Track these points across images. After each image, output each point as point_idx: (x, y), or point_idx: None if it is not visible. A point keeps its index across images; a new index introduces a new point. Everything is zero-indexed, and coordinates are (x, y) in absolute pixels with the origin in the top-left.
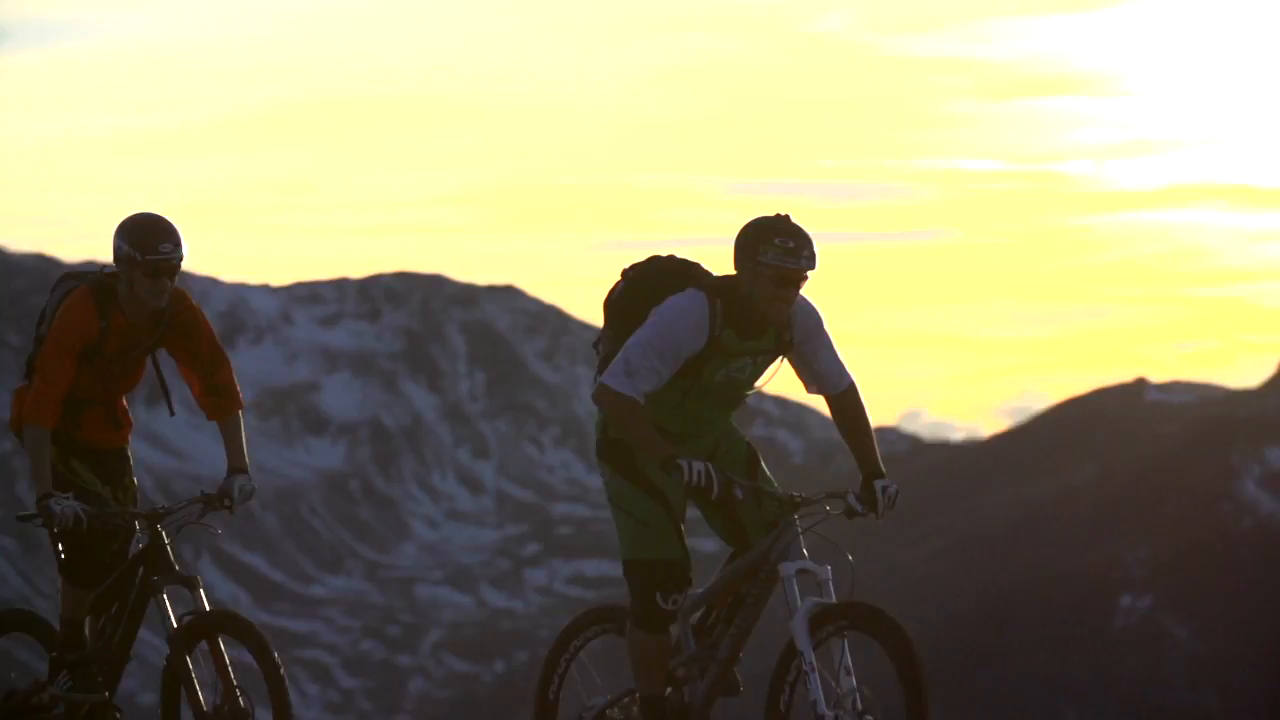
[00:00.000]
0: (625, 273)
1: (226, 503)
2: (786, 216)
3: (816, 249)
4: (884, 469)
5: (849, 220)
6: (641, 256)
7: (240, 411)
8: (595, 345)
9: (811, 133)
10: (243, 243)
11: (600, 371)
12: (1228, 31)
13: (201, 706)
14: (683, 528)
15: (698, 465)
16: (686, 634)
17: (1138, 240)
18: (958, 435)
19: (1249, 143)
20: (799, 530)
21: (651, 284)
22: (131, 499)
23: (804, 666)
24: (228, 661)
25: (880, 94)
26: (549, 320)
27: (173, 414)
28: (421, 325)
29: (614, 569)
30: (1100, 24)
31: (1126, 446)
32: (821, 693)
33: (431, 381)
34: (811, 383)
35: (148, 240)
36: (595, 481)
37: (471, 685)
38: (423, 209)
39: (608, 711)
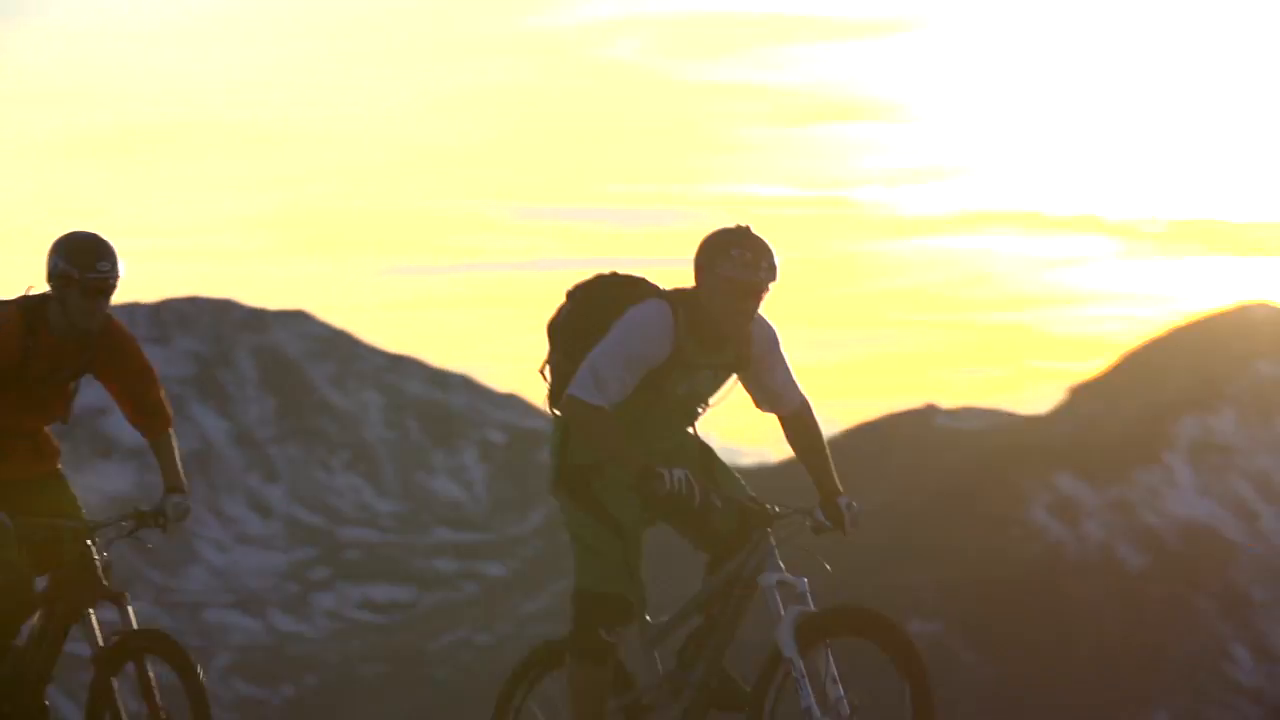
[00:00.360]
0: (571, 293)
1: (161, 520)
2: (747, 228)
3: (777, 260)
4: (840, 486)
5: (639, 246)
6: (432, 282)
7: (171, 429)
8: (541, 371)
9: (602, 158)
10: (33, 267)
11: (552, 398)
12: (1017, 59)
13: None
14: (640, 561)
15: (678, 473)
16: (652, 659)
17: (927, 266)
18: (748, 459)
19: (1038, 170)
20: (773, 543)
21: (601, 302)
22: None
23: (793, 674)
24: (153, 684)
25: (671, 120)
26: (339, 345)
27: (65, 422)
28: (211, 350)
29: (403, 593)
30: (890, 51)
31: (916, 472)
32: (814, 700)
33: (221, 406)
34: (764, 401)
35: (87, 258)
36: (385, 506)
37: (260, 709)
38: (213, 233)
39: None
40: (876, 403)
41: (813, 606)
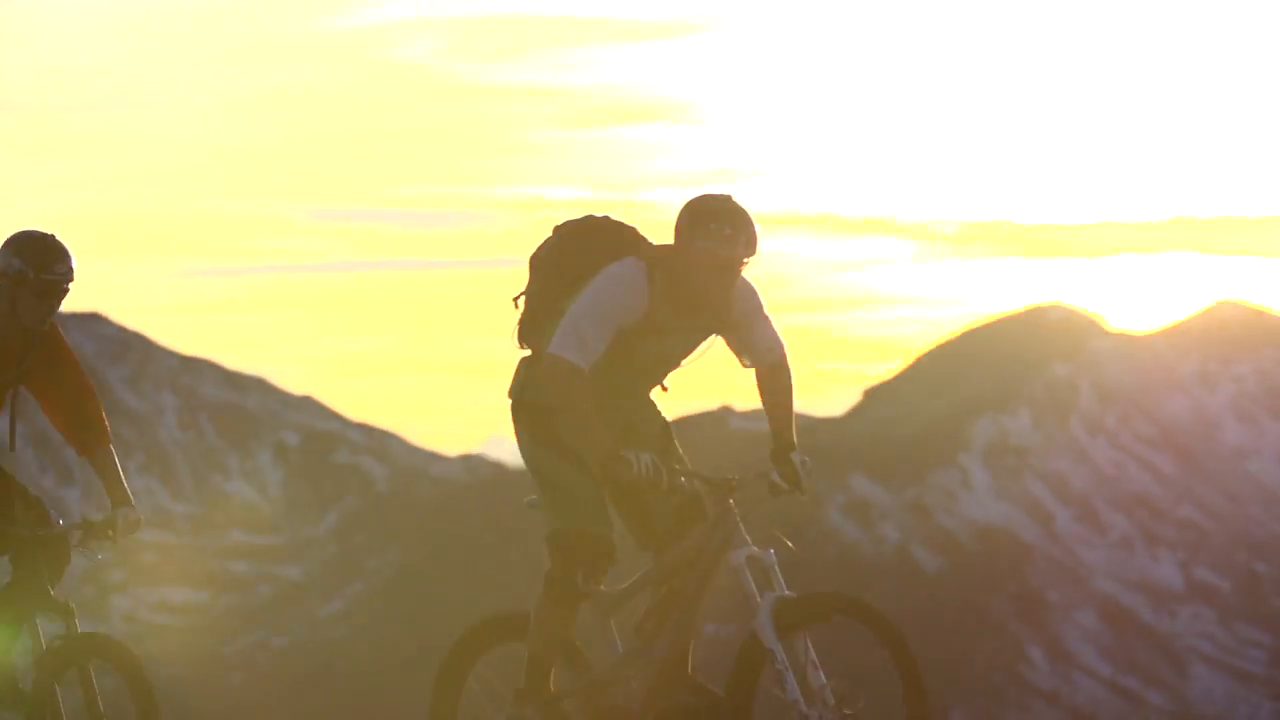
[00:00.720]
0: (558, 229)
1: (110, 533)
2: (728, 198)
3: (759, 232)
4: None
5: (432, 248)
6: (227, 284)
7: (110, 444)
8: (515, 300)
9: (395, 161)
10: None
11: (521, 330)
12: (810, 62)
13: None
14: (606, 505)
15: (645, 457)
16: (609, 631)
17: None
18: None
19: (832, 172)
20: (737, 516)
21: (584, 242)
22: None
23: (776, 666)
24: (97, 691)
25: (463, 122)
26: (134, 347)
27: (13, 449)
28: None
29: (198, 596)
30: (682, 53)
31: (714, 473)
32: (799, 692)
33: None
34: (744, 355)
35: (44, 259)
36: (179, 508)
37: None
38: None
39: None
40: (671, 404)
41: (782, 582)
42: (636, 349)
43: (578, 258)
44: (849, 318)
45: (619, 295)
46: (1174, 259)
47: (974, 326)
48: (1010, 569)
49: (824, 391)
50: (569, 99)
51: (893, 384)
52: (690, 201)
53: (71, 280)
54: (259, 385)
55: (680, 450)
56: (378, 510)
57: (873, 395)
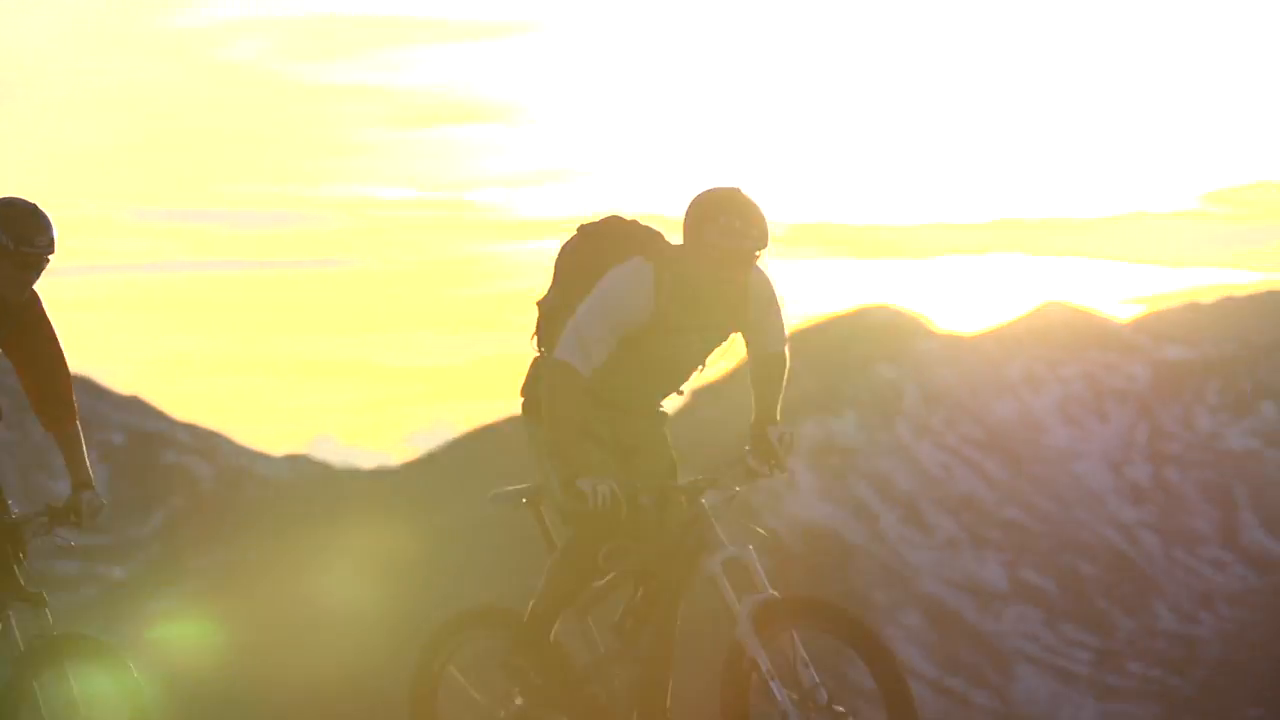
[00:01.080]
0: (580, 228)
1: (74, 518)
2: (736, 190)
3: (769, 225)
4: (779, 417)
5: (257, 248)
6: (52, 284)
7: (76, 423)
8: (539, 303)
9: (222, 160)
10: None
11: (540, 329)
12: (635, 62)
13: None
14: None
15: (602, 488)
16: (588, 629)
17: (546, 269)
18: (369, 463)
19: (659, 173)
20: (711, 518)
21: (600, 242)
22: None
23: (762, 673)
24: (77, 691)
25: (290, 121)
26: None
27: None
28: None
29: None
30: (508, 53)
31: (535, 475)
32: (788, 700)
33: None
34: (750, 348)
35: (25, 230)
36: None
37: None
38: None
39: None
40: (496, 405)
41: (764, 580)
42: (648, 351)
43: (593, 258)
44: None
45: (621, 297)
46: (999, 260)
47: (800, 328)
48: (835, 570)
49: None
50: (397, 98)
51: (719, 385)
52: (697, 196)
53: (52, 252)
54: (85, 385)
55: (664, 451)
56: (203, 510)
57: (699, 396)
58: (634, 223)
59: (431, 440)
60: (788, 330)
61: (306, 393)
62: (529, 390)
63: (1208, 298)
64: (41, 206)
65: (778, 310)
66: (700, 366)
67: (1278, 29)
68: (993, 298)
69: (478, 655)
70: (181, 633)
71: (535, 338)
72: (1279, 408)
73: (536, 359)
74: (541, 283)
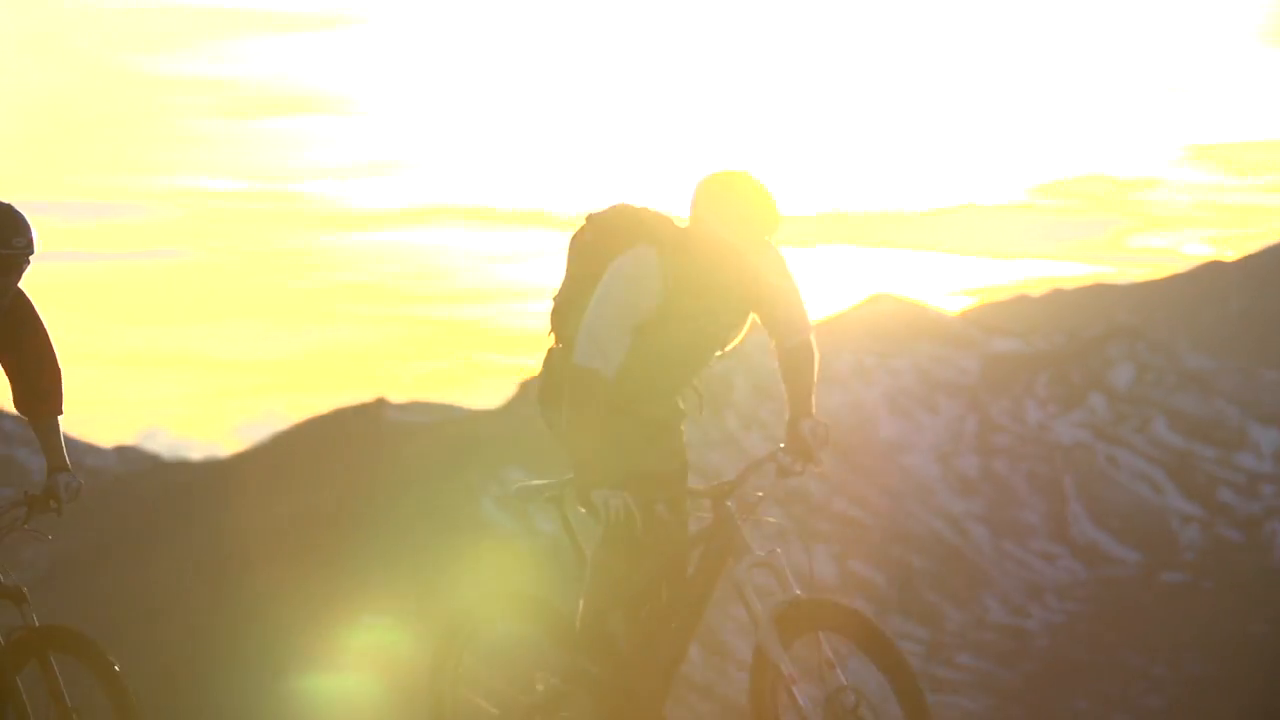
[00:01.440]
0: (590, 218)
1: (53, 504)
2: (745, 173)
3: (779, 207)
4: (814, 410)
5: (89, 240)
6: None
7: (60, 415)
8: (554, 297)
9: (52, 151)
10: None
11: (554, 323)
12: (464, 55)
13: None
14: None
15: (615, 502)
16: (612, 632)
17: (377, 260)
18: (198, 454)
19: (488, 165)
20: (737, 522)
21: (609, 231)
22: None
23: (785, 677)
24: (61, 684)
25: (123, 112)
26: None
27: None
28: None
29: None
30: (338, 44)
31: (368, 466)
32: (810, 703)
33: None
34: (770, 330)
35: (2, 232)
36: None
37: None
38: None
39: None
40: (326, 397)
41: (791, 582)
42: (662, 341)
43: (602, 247)
44: (503, 309)
45: (628, 289)
46: (828, 253)
47: None
48: None
49: (479, 384)
50: (227, 89)
51: None
52: (705, 179)
53: (32, 253)
54: None
55: (679, 452)
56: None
57: (528, 388)
58: (642, 209)
59: (261, 431)
60: (811, 315)
61: (136, 384)
62: (545, 380)
63: (1037, 290)
64: (15, 206)
65: (795, 294)
66: (717, 354)
67: (1103, 27)
68: (821, 290)
69: (497, 640)
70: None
71: (551, 332)
72: (1107, 400)
73: (551, 350)
74: (370, 274)
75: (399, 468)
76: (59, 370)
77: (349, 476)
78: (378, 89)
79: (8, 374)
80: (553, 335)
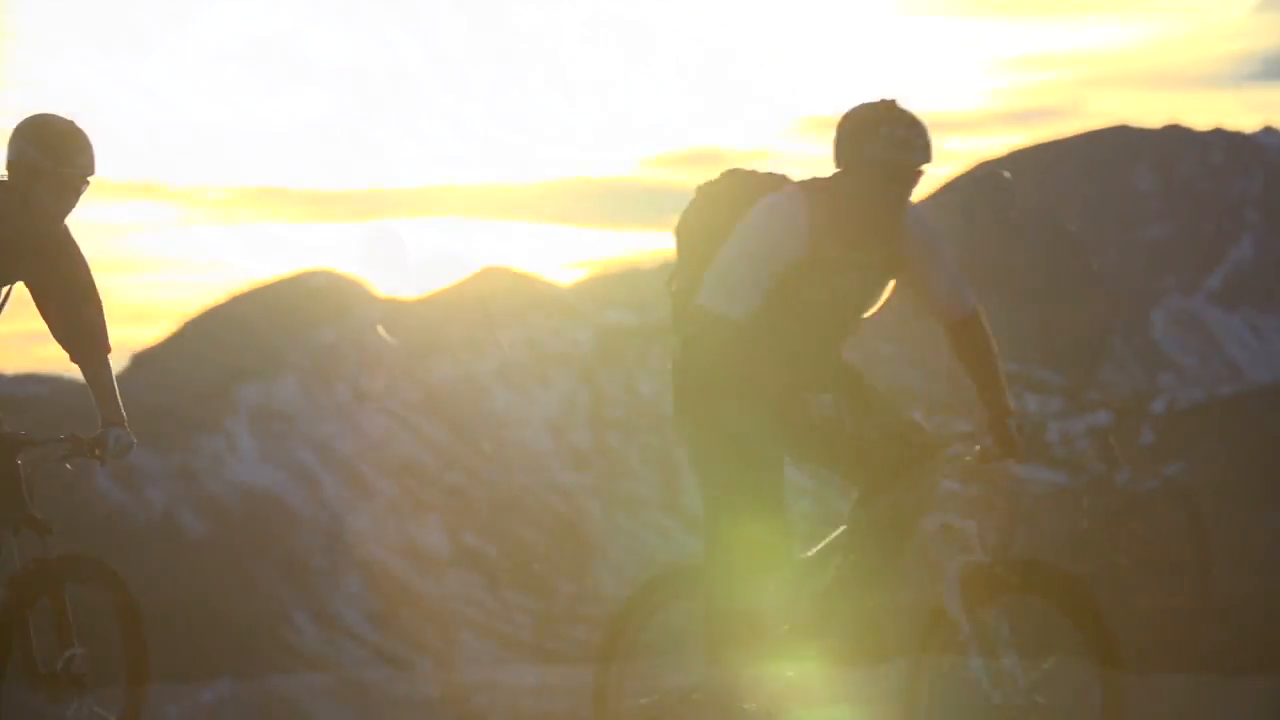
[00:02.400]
0: (700, 188)
1: (98, 452)
2: (893, 102)
3: (931, 139)
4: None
5: None
6: None
7: (107, 356)
8: (668, 283)
9: None
10: None
11: (676, 309)
12: (102, 11)
13: (36, 667)
14: (782, 492)
15: (824, 399)
16: (796, 600)
17: None
18: None
19: (100, 135)
20: (938, 479)
21: (726, 198)
22: None
23: (960, 636)
24: (70, 617)
25: None
26: None
27: None
28: None
29: None
30: None
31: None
32: (984, 670)
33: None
34: (928, 308)
35: (64, 151)
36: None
37: None
38: None
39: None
40: None
41: (979, 545)
42: (805, 295)
43: (722, 217)
44: (114, 282)
45: (770, 231)
46: (440, 224)
47: (240, 292)
48: (277, 535)
49: None
50: None
51: (159, 349)
52: (849, 113)
53: (92, 173)
54: None
55: (890, 396)
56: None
57: (141, 361)
58: (753, 172)
59: None
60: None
61: None
62: (679, 392)
63: (649, 262)
64: (78, 123)
65: (946, 257)
66: (861, 316)
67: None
68: (433, 262)
69: (666, 624)
70: None
71: (677, 324)
72: None
73: (680, 359)
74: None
75: None
76: (101, 306)
77: None
78: None
79: (46, 316)
80: (678, 328)
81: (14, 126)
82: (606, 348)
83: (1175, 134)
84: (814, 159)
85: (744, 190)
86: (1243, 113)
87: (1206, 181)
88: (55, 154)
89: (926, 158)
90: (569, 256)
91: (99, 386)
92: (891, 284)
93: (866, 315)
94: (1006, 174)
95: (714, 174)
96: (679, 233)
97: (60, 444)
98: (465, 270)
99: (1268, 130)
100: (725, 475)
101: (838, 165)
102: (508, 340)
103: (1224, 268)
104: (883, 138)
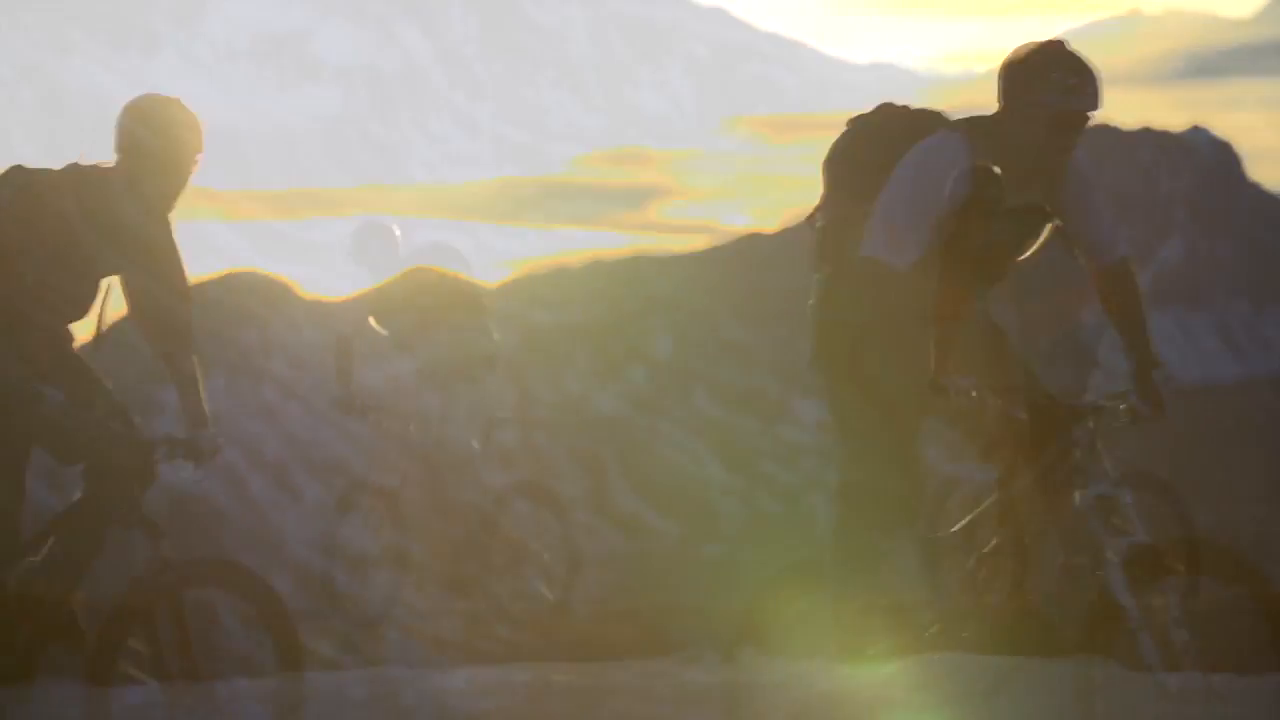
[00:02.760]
0: (851, 121)
1: (194, 454)
2: (1063, 43)
3: (1101, 85)
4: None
5: None
6: None
7: (193, 355)
8: (812, 216)
9: None
10: None
11: (822, 251)
12: None
13: (160, 668)
14: (918, 451)
15: (965, 382)
16: (933, 581)
17: None
18: None
19: None
20: (1093, 444)
21: (881, 131)
22: None
23: (1130, 624)
24: (190, 629)
25: None
26: None
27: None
28: None
29: None
30: None
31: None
32: (1157, 655)
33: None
34: (1080, 251)
35: (175, 130)
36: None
37: None
38: None
39: None
40: None
41: (1138, 525)
42: (964, 239)
43: (877, 152)
44: None
45: (929, 173)
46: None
47: None
48: (204, 535)
49: None
50: None
51: (83, 350)
52: (1017, 53)
53: (201, 151)
54: None
55: (1024, 359)
56: None
57: None
58: (907, 108)
59: None
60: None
61: None
62: (822, 332)
63: (576, 261)
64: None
65: (1101, 201)
66: (1014, 259)
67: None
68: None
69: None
70: None
71: (821, 261)
72: (648, 372)
73: (820, 278)
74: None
75: None
76: (190, 304)
77: None
78: None
79: (134, 309)
80: (818, 264)
81: (122, 107)
82: (533, 347)
83: (1103, 133)
84: (741, 157)
85: (899, 125)
86: (1171, 111)
87: (1135, 181)
88: (166, 134)
89: (1095, 104)
90: (497, 255)
91: (187, 387)
92: (1047, 229)
93: (1019, 260)
94: None
95: (643, 172)
96: (827, 165)
97: (160, 445)
98: (391, 270)
99: (1196, 129)
100: (865, 424)
101: (1004, 109)
102: (434, 340)
103: (1152, 268)
104: (1054, 84)
